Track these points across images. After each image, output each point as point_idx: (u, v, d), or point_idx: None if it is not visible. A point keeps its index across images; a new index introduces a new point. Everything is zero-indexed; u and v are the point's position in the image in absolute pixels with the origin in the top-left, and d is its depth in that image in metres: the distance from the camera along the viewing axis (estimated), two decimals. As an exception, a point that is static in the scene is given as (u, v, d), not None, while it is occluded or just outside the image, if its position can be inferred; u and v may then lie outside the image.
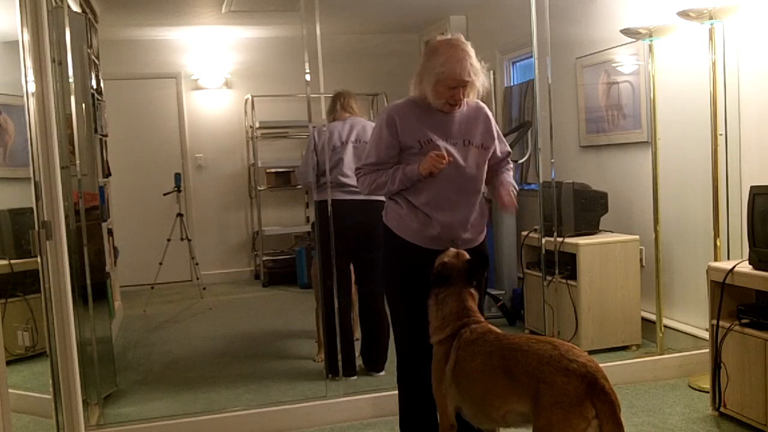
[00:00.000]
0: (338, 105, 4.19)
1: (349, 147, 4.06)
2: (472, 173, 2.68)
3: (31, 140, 2.95)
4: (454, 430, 2.52)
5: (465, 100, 2.67)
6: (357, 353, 4.18)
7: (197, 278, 6.68)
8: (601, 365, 2.19)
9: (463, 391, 2.43)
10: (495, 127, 2.80)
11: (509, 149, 2.89)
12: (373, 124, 2.95)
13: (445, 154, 2.58)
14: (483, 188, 2.75)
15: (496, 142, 2.79)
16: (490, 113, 2.80)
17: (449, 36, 2.67)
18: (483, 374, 2.35)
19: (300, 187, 7.16)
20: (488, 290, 2.99)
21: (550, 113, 4.31)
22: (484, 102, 2.79)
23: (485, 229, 2.79)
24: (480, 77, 2.62)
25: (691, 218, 4.15)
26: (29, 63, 2.91)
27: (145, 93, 7.41)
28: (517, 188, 2.83)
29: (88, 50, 4.52)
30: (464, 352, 2.41)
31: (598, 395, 2.07)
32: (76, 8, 4.76)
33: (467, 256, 2.58)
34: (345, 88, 4.28)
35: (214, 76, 7.56)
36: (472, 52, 2.60)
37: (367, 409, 3.52)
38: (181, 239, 6.39)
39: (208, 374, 4.38)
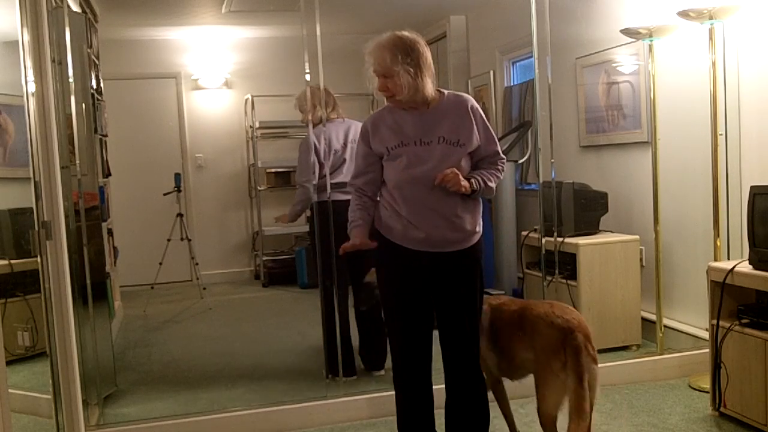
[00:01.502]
0: (332, 105, 4.18)
1: (349, 148, 4.08)
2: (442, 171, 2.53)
3: (31, 140, 2.95)
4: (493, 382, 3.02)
5: (446, 94, 2.65)
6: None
7: (197, 278, 6.68)
8: (600, 365, 2.62)
9: (496, 348, 2.90)
10: (480, 125, 2.63)
11: (497, 149, 2.68)
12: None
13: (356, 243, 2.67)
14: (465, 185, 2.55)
15: (479, 139, 2.62)
16: (475, 109, 2.64)
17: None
18: (505, 329, 2.85)
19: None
20: (486, 290, 2.97)
21: (550, 113, 4.32)
22: (484, 101, 2.76)
23: (479, 229, 2.68)
24: (400, 72, 2.53)
25: (691, 218, 4.15)
26: (29, 63, 2.91)
27: (145, 93, 7.41)
28: (483, 184, 2.60)
29: (88, 50, 4.52)
30: (495, 313, 2.91)
31: (570, 343, 2.60)
32: (76, 8, 4.76)
33: None
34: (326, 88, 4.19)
35: (214, 76, 7.55)
36: (397, 44, 2.57)
37: (367, 409, 3.52)
38: (181, 239, 6.40)
39: (208, 374, 4.37)
